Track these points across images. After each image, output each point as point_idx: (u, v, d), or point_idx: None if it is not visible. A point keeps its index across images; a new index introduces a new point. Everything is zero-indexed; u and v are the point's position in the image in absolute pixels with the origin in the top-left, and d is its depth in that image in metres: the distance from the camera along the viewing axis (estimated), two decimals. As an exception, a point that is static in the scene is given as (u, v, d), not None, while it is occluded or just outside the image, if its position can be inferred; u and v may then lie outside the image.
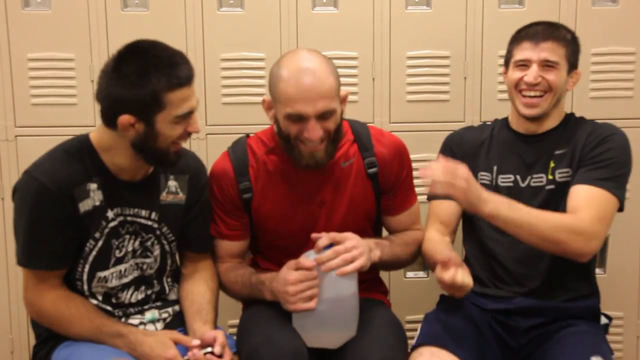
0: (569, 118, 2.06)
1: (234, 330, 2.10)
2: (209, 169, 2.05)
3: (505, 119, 2.13)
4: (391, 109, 2.57)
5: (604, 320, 2.03)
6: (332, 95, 1.83)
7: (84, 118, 2.50)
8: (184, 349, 1.77)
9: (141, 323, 1.88)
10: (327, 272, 1.78)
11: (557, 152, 1.99)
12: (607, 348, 1.89)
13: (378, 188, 2.01)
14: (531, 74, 1.95)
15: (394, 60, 2.55)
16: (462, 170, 1.78)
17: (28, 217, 1.74)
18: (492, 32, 2.52)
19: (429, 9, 2.54)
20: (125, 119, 1.69)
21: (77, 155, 1.78)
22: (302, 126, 1.83)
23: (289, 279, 1.78)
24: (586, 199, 1.87)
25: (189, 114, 1.74)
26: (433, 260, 1.92)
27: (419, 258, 2.13)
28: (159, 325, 1.90)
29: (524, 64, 1.98)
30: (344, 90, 1.91)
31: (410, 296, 2.59)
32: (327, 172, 1.96)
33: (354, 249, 1.79)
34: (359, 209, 2.00)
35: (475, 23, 2.52)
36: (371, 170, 1.99)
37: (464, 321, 1.95)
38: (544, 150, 2.01)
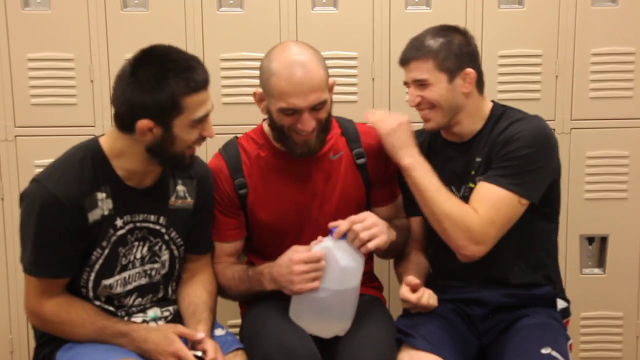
0: (493, 115, 2.01)
1: (234, 330, 2.10)
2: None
3: None
4: (391, 109, 2.57)
5: (562, 304, 2.03)
6: (323, 86, 1.87)
7: (84, 118, 2.50)
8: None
9: (144, 321, 1.88)
10: (334, 260, 1.80)
11: (477, 159, 1.98)
12: (562, 336, 1.90)
13: (367, 179, 2.04)
14: (410, 96, 1.99)
15: (393, 60, 2.53)
16: (400, 116, 1.96)
17: (36, 226, 1.73)
18: (492, 32, 2.52)
19: (429, 9, 2.54)
20: (143, 123, 1.69)
21: (89, 163, 1.77)
22: (296, 118, 1.87)
23: (294, 259, 1.80)
24: (483, 197, 1.88)
25: (205, 118, 1.75)
26: (401, 278, 1.99)
27: None
28: (161, 323, 1.90)
29: (409, 86, 2.01)
30: (331, 79, 1.95)
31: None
32: (317, 164, 2.00)
33: (374, 227, 1.82)
34: (350, 200, 2.03)
35: (475, 23, 2.52)
36: (360, 161, 2.03)
37: (434, 321, 1.94)
38: (469, 158, 1.99)
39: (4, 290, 2.61)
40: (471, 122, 2.00)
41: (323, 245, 1.83)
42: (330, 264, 1.80)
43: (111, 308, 1.85)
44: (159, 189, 1.87)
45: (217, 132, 2.50)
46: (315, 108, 1.87)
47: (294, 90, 1.83)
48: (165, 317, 1.92)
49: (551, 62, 2.55)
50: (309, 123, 1.86)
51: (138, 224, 1.84)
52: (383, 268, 2.47)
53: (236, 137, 2.09)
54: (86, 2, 2.48)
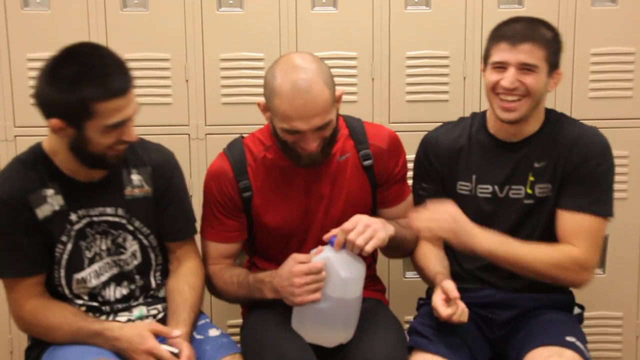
0: (549, 119, 1.98)
1: (234, 330, 2.11)
2: (207, 169, 2.05)
3: (484, 117, 2.04)
4: (390, 109, 2.57)
5: (577, 310, 2.04)
6: (328, 108, 1.83)
7: (84, 118, 2.49)
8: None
9: (129, 320, 1.88)
10: (335, 271, 1.78)
11: (537, 165, 1.93)
12: (582, 334, 1.90)
13: (374, 180, 2.03)
14: (508, 79, 1.85)
15: (393, 60, 2.55)
16: (447, 208, 1.82)
17: None
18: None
19: (429, 9, 2.54)
20: (54, 122, 1.70)
21: (31, 163, 1.81)
22: (299, 137, 1.84)
23: (294, 271, 1.78)
24: (578, 229, 1.87)
25: (123, 123, 1.73)
26: (430, 279, 1.95)
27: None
28: (149, 321, 1.90)
29: (501, 66, 1.87)
30: (339, 90, 1.91)
31: (410, 296, 2.59)
32: (324, 166, 1.98)
33: (367, 229, 1.79)
34: (357, 202, 2.01)
35: (474, 23, 2.52)
36: (366, 163, 2.01)
37: (446, 326, 1.90)
38: (523, 161, 1.94)
39: (3, 290, 2.60)
40: (533, 123, 1.95)
41: (323, 256, 1.81)
42: (330, 275, 1.79)
43: (95, 304, 1.87)
44: (112, 181, 1.87)
45: (216, 132, 2.55)
46: (319, 129, 1.83)
47: (296, 115, 1.79)
48: (154, 316, 1.92)
49: (551, 62, 2.55)
50: (311, 143, 1.84)
51: (95, 218, 1.85)
52: (383, 269, 2.47)
53: (242, 137, 2.06)
54: (86, 2, 2.48)
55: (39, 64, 2.46)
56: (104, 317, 1.88)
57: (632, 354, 2.73)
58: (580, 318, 2.05)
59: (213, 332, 1.90)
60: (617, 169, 2.55)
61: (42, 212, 1.79)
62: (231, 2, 2.52)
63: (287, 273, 1.80)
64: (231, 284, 1.98)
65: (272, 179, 1.99)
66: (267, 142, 2.01)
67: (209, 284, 2.04)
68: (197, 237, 2.05)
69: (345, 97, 2.49)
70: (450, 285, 1.82)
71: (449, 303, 1.81)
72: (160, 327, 1.79)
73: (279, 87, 1.81)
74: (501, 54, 1.86)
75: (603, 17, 2.54)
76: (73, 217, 1.83)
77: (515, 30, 1.87)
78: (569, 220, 1.88)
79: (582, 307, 2.06)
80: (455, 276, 2.00)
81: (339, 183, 2.00)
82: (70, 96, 1.66)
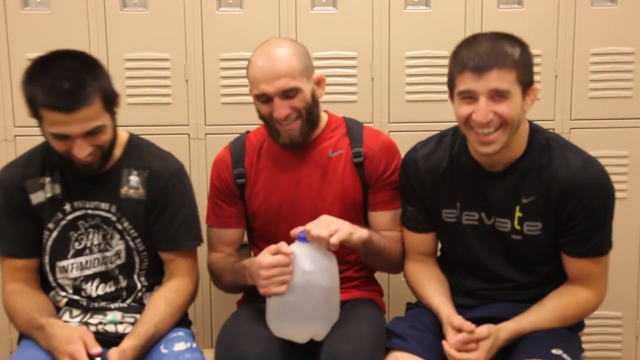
0: (532, 142, 1.83)
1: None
2: (209, 168, 2.06)
3: (464, 137, 1.85)
4: (390, 109, 2.57)
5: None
6: (293, 74, 1.91)
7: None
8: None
9: (100, 323, 1.90)
10: (299, 265, 1.80)
11: (525, 200, 1.81)
12: (575, 343, 1.88)
13: (364, 180, 2.04)
14: (480, 112, 1.69)
15: (393, 60, 2.55)
16: (481, 334, 1.74)
17: None
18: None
19: (428, 8, 2.54)
20: (29, 112, 1.78)
21: (40, 152, 1.92)
22: (271, 106, 1.92)
23: (262, 263, 1.80)
24: (591, 272, 1.85)
25: (65, 137, 1.74)
26: (432, 309, 1.90)
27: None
28: (121, 327, 1.90)
29: (470, 96, 1.71)
30: (318, 73, 2.00)
31: (409, 297, 2.59)
32: (315, 158, 2.03)
33: (331, 224, 1.81)
34: (346, 199, 2.03)
35: (474, 23, 2.52)
36: (357, 160, 2.03)
37: (426, 328, 1.89)
38: (509, 192, 1.82)
39: (3, 289, 2.60)
40: (513, 150, 1.80)
41: (290, 250, 1.82)
42: (295, 268, 1.80)
43: (76, 297, 1.92)
44: (112, 176, 1.90)
45: (216, 132, 2.56)
46: (287, 95, 1.91)
47: (262, 76, 1.91)
48: (131, 323, 1.90)
49: (550, 62, 2.55)
50: (280, 109, 1.91)
51: (90, 212, 1.90)
52: (383, 272, 2.46)
53: (247, 132, 2.14)
54: (85, 2, 2.48)
55: (39, 64, 2.50)
56: (80, 315, 1.91)
57: (631, 354, 2.73)
58: (580, 324, 1.98)
59: (179, 347, 1.85)
60: (617, 169, 2.58)
61: (37, 198, 1.89)
62: (231, 2, 2.52)
63: (257, 264, 1.83)
64: (224, 270, 2.03)
65: (266, 167, 2.06)
66: (266, 134, 2.07)
67: (210, 272, 2.12)
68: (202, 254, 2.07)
69: (344, 97, 2.52)
70: (460, 320, 1.76)
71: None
72: (87, 339, 1.72)
73: (253, 58, 1.96)
74: (468, 83, 1.70)
75: (603, 17, 2.54)
76: (67, 207, 1.89)
77: (478, 54, 1.69)
78: (578, 266, 1.85)
79: None
80: (452, 292, 1.97)
81: (329, 177, 2.03)
82: (26, 88, 1.75)
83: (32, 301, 1.86)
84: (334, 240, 1.78)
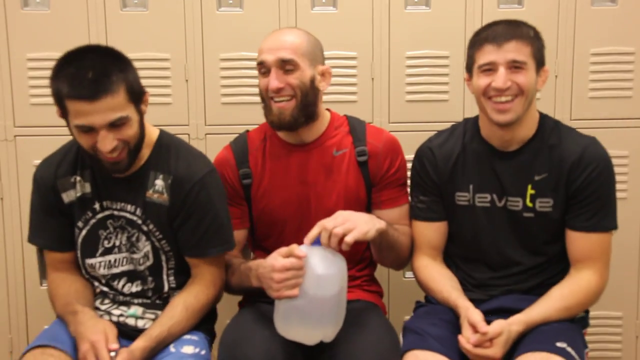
0: (543, 125, 1.95)
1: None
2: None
3: (476, 124, 2.00)
4: (390, 109, 2.57)
5: (580, 313, 2.02)
6: (296, 50, 1.95)
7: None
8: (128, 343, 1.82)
9: (121, 315, 1.93)
10: (311, 268, 1.77)
11: (537, 177, 1.91)
12: (579, 338, 1.89)
13: (368, 178, 2.04)
14: (499, 79, 1.82)
15: (393, 60, 2.55)
16: (494, 333, 1.78)
17: (31, 201, 1.97)
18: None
19: (428, 8, 2.54)
20: (57, 108, 1.80)
21: (75, 150, 1.92)
22: (268, 78, 1.95)
23: (275, 266, 1.78)
24: (593, 250, 1.90)
25: (90, 129, 1.74)
26: (450, 304, 1.93)
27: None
28: (141, 322, 1.92)
29: (490, 68, 1.85)
30: (324, 66, 2.02)
31: (410, 296, 2.59)
32: (319, 157, 2.03)
33: (347, 221, 1.79)
34: (351, 197, 2.03)
35: (474, 23, 2.52)
36: (361, 158, 2.03)
37: (443, 326, 1.91)
38: (520, 171, 1.91)
39: (3, 290, 2.61)
40: (526, 128, 1.92)
41: (302, 252, 1.79)
42: (307, 272, 1.78)
43: (106, 289, 1.96)
44: (139, 179, 1.90)
45: (216, 132, 2.56)
46: (285, 68, 1.93)
47: (266, 45, 1.97)
48: (152, 319, 1.92)
49: (551, 61, 2.54)
50: (273, 80, 1.93)
51: (115, 212, 1.92)
52: (383, 270, 2.47)
53: (247, 131, 2.13)
54: (85, 2, 2.48)
55: (39, 64, 2.50)
56: (109, 304, 1.95)
57: (632, 354, 2.73)
58: (584, 322, 2.02)
59: (187, 349, 1.85)
60: (617, 169, 2.56)
61: (68, 196, 1.92)
62: (231, 2, 2.53)
63: (269, 266, 1.80)
64: (228, 271, 2.01)
65: (270, 166, 2.05)
66: (268, 132, 2.07)
67: None
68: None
69: (345, 97, 2.52)
70: (477, 318, 1.81)
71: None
72: (110, 336, 1.78)
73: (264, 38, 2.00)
74: (488, 55, 1.84)
75: (603, 17, 2.54)
76: (97, 205, 1.92)
77: (498, 31, 1.86)
78: (582, 242, 1.90)
79: (586, 311, 2.04)
80: (461, 284, 2.01)
81: (334, 176, 2.03)
82: (53, 84, 1.76)
83: (72, 287, 1.93)
84: (349, 239, 1.76)
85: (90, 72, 1.70)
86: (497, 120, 1.86)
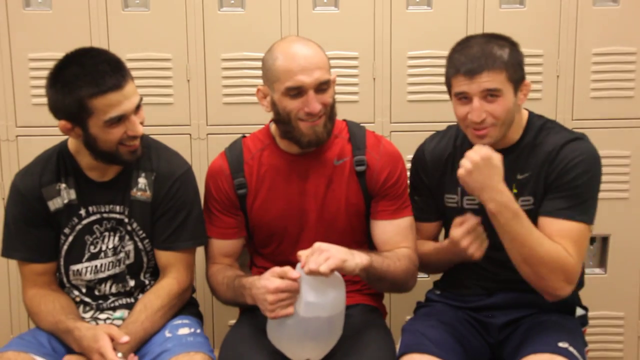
0: (530, 126, 1.94)
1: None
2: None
3: None
4: (392, 109, 2.57)
5: (580, 312, 2.02)
6: (326, 67, 1.91)
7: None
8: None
9: (108, 318, 1.96)
10: (303, 293, 1.75)
11: (519, 176, 1.90)
12: (579, 337, 1.89)
13: (366, 189, 2.01)
14: (474, 113, 1.82)
15: (394, 60, 2.55)
16: (485, 150, 1.78)
17: (6, 213, 1.96)
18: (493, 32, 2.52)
19: (430, 8, 2.54)
20: (62, 124, 1.82)
21: (55, 158, 1.94)
22: (302, 101, 1.87)
23: (269, 288, 1.75)
24: (563, 233, 1.81)
25: (123, 118, 1.80)
26: (444, 248, 1.96)
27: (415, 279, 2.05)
28: (106, 324, 1.92)
29: (465, 96, 1.84)
30: (334, 73, 1.96)
31: (410, 298, 2.59)
32: (320, 167, 1.99)
33: (323, 252, 1.75)
34: (350, 208, 2.01)
35: (476, 23, 2.52)
36: (359, 168, 2.00)
37: (442, 328, 1.91)
38: (506, 172, 1.84)
39: (4, 289, 2.62)
40: (512, 132, 1.91)
41: (297, 275, 1.77)
42: (300, 292, 1.75)
43: (87, 299, 1.97)
44: (122, 180, 1.95)
45: (217, 132, 2.55)
46: (320, 89, 1.87)
47: (298, 67, 1.85)
48: None
49: (552, 62, 2.55)
50: (314, 104, 1.86)
51: (105, 215, 1.95)
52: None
53: (243, 137, 2.08)
54: (87, 2, 2.48)
55: (41, 64, 2.50)
56: (91, 311, 1.96)
57: (633, 354, 2.73)
58: (583, 320, 2.02)
59: (182, 331, 1.90)
60: (619, 169, 2.58)
61: (54, 204, 1.92)
62: (232, 2, 2.53)
63: (263, 287, 1.77)
64: (222, 284, 1.99)
65: (268, 176, 2.00)
66: (266, 141, 2.03)
67: (209, 285, 2.06)
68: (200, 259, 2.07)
69: (346, 97, 2.52)
70: (459, 218, 1.86)
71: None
72: (113, 331, 1.80)
73: (279, 52, 1.90)
74: (462, 86, 1.83)
75: (604, 17, 2.54)
76: (82, 211, 1.94)
77: (469, 58, 1.82)
78: (551, 226, 1.83)
79: (585, 309, 2.04)
80: (455, 282, 2.03)
81: (334, 186, 1.99)
82: (67, 97, 1.77)
83: (55, 303, 1.91)
84: (324, 269, 1.71)
85: (104, 65, 1.77)
86: (477, 143, 1.85)
